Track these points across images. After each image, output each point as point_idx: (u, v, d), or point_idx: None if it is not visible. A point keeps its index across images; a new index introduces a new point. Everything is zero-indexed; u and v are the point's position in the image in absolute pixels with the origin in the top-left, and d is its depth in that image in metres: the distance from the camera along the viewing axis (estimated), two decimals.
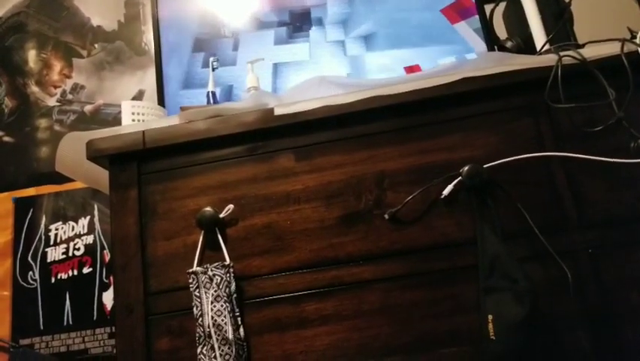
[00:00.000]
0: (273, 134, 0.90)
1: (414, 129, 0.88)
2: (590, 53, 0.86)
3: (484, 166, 0.83)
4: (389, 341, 0.80)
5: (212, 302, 0.80)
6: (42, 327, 1.65)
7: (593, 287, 0.79)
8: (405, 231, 0.84)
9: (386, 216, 0.84)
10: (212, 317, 0.79)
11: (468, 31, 1.23)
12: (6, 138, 1.85)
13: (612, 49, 0.86)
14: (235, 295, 0.82)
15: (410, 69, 1.19)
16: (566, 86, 0.83)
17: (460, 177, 0.83)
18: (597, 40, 0.91)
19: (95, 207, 1.73)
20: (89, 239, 1.71)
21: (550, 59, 0.86)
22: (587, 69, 0.84)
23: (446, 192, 0.83)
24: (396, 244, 0.83)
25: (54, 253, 1.71)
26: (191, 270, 0.83)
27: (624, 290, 0.79)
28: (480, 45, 1.22)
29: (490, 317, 0.76)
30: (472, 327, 0.79)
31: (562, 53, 0.86)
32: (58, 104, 1.85)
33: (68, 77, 1.87)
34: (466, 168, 0.82)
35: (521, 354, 0.75)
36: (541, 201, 0.83)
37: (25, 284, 1.69)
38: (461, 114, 0.88)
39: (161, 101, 1.20)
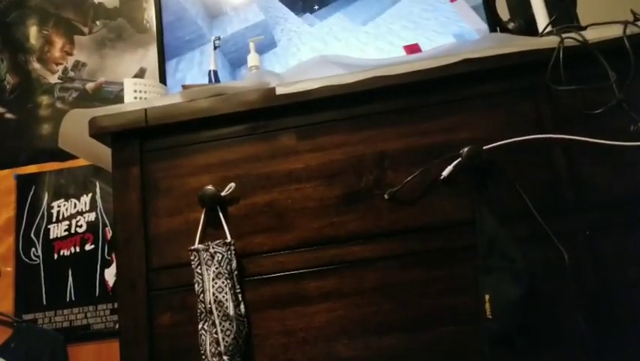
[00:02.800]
0: (274, 114, 0.90)
1: (415, 110, 0.88)
2: (592, 35, 0.86)
3: (484, 148, 0.83)
4: (388, 319, 0.81)
5: (213, 279, 0.81)
6: (45, 303, 1.68)
7: (589, 268, 0.80)
8: (404, 211, 0.85)
9: (386, 196, 0.85)
10: (214, 294, 0.80)
11: (466, 8, 1.21)
12: (8, 115, 1.85)
13: (615, 31, 0.85)
14: (236, 273, 0.83)
15: (409, 48, 1.18)
16: (568, 68, 0.83)
17: (459, 158, 0.83)
18: (600, 22, 0.90)
19: (97, 184, 1.75)
20: (91, 216, 1.73)
21: (552, 41, 0.86)
22: (589, 51, 0.84)
23: (446, 172, 0.84)
24: (395, 223, 0.84)
25: (56, 230, 1.73)
26: (192, 247, 0.84)
27: (621, 271, 0.80)
28: (479, 24, 1.20)
29: (487, 296, 0.77)
30: (470, 306, 0.80)
31: (564, 35, 0.86)
32: (59, 81, 1.85)
33: (70, 54, 1.87)
34: (465, 149, 0.83)
35: (518, 333, 0.77)
36: (540, 182, 0.83)
37: (27, 260, 1.71)
38: (462, 96, 0.88)
39: (162, 79, 1.20)
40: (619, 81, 0.82)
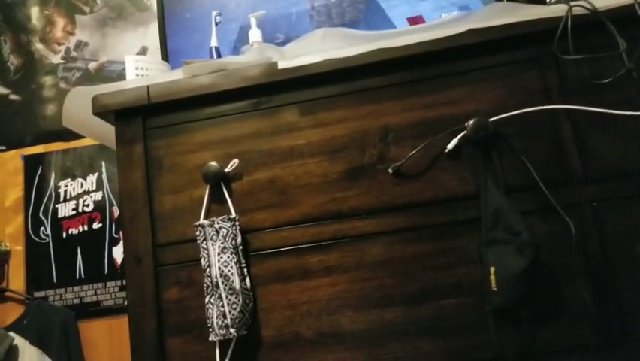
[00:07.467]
0: (276, 89, 0.89)
1: (418, 83, 0.87)
2: (601, 2, 0.84)
3: (490, 120, 0.82)
4: (391, 293, 0.82)
5: (219, 254, 0.82)
6: (55, 280, 1.70)
7: (595, 240, 0.79)
8: (408, 185, 0.84)
9: (390, 171, 0.84)
10: (220, 268, 0.81)
11: None
12: (12, 96, 1.85)
13: None
14: (241, 248, 0.84)
15: (413, 20, 1.16)
16: (576, 37, 0.81)
17: (465, 131, 0.82)
18: None
19: (103, 164, 1.75)
20: (98, 196, 1.74)
21: (559, 10, 0.84)
22: (598, 19, 0.82)
23: (451, 146, 0.83)
24: (399, 198, 0.84)
25: (64, 210, 1.74)
26: (198, 223, 0.85)
27: (627, 243, 0.79)
28: None
29: (492, 268, 0.77)
30: (473, 279, 0.80)
31: (572, 3, 0.83)
32: (62, 61, 1.84)
33: (72, 33, 1.86)
34: (471, 121, 0.82)
35: (522, 305, 0.77)
36: (547, 154, 0.82)
37: (37, 239, 1.74)
38: (467, 67, 0.86)
39: (164, 57, 1.19)
40: (629, 50, 0.80)
